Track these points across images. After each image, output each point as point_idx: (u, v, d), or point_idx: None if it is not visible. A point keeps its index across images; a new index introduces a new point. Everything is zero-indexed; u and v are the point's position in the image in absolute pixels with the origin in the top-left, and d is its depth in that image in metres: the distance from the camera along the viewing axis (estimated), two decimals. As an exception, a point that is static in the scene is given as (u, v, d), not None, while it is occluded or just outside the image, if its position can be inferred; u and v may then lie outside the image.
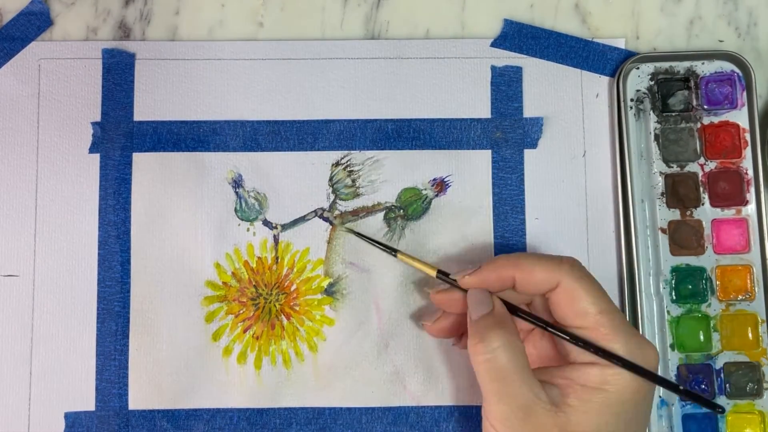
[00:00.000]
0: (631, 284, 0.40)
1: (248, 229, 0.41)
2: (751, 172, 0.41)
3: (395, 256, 0.39)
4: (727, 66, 0.41)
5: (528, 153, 0.42)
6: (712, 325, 0.40)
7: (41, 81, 0.41)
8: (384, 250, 0.40)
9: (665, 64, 0.41)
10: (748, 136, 0.41)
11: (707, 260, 0.40)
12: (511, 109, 0.42)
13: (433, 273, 0.37)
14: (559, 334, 0.34)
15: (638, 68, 0.41)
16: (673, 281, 0.40)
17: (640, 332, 0.40)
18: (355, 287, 0.41)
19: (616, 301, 0.41)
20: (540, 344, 0.37)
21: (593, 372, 0.33)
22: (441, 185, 0.41)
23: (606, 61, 0.42)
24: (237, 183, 0.41)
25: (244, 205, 0.41)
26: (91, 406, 0.40)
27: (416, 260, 0.38)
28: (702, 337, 0.40)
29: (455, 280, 0.36)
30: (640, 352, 0.33)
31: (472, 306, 0.35)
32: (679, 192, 0.41)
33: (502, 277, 0.35)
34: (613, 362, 0.32)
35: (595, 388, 0.33)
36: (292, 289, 0.41)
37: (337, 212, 0.41)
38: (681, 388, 0.34)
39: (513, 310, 0.35)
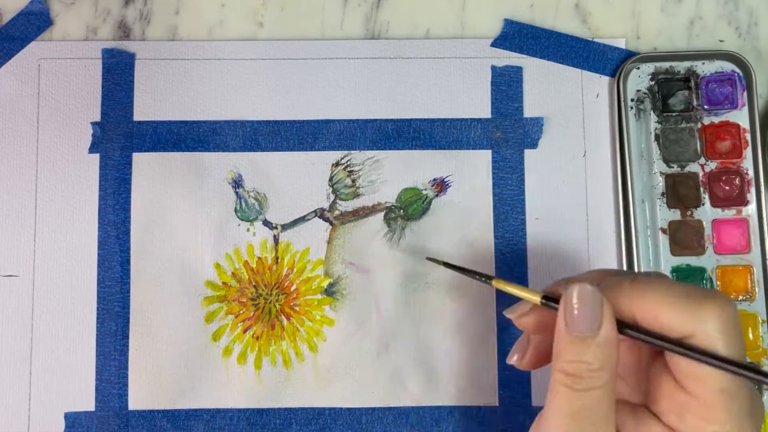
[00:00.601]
0: (632, 284, 0.40)
1: (248, 229, 0.41)
2: (751, 173, 0.41)
3: (490, 283, 0.32)
4: (728, 66, 0.41)
5: (528, 153, 0.42)
6: (712, 325, 0.40)
7: (41, 81, 0.41)
8: (479, 279, 0.33)
9: (665, 64, 0.41)
10: (748, 137, 0.41)
11: (708, 260, 0.40)
12: (511, 109, 0.42)
13: (537, 300, 0.29)
14: (689, 353, 0.26)
15: (638, 68, 0.41)
16: (674, 281, 0.40)
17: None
18: (355, 287, 0.41)
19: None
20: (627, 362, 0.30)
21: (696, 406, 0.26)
22: (441, 185, 0.41)
23: (606, 61, 0.42)
24: (237, 183, 0.41)
25: (244, 205, 0.41)
26: (91, 406, 0.40)
27: (516, 287, 0.31)
28: (702, 338, 0.40)
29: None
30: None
31: (570, 324, 0.27)
32: (680, 192, 0.41)
33: (624, 313, 0.28)
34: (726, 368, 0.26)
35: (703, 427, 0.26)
36: (292, 289, 0.41)
37: (337, 212, 0.41)
38: None
39: (621, 324, 0.27)
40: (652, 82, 0.41)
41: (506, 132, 0.42)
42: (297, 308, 0.40)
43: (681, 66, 0.41)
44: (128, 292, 0.40)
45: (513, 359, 0.31)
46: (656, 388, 0.28)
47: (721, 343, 0.26)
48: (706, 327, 0.26)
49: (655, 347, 0.27)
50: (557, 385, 0.27)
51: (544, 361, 0.30)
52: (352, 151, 0.41)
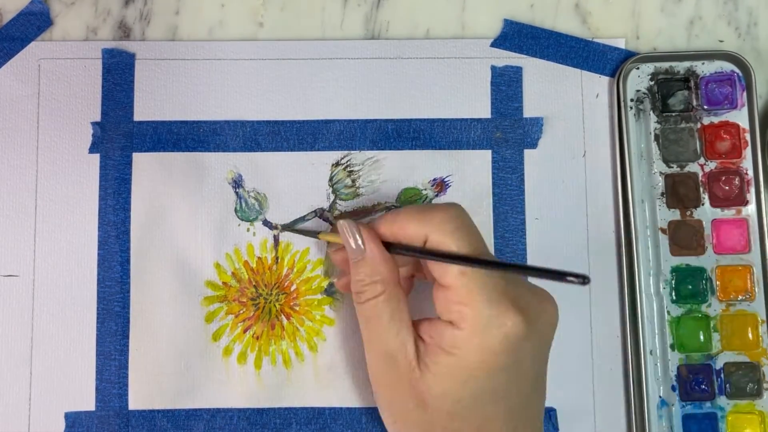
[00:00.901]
0: (631, 284, 0.40)
1: (248, 230, 0.41)
2: (751, 173, 0.41)
3: (317, 238, 0.39)
4: (727, 66, 0.41)
5: (528, 153, 0.42)
6: (712, 325, 0.40)
7: (41, 81, 0.41)
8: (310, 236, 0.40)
9: (665, 64, 0.41)
10: (748, 137, 0.41)
11: (707, 260, 0.40)
12: (511, 109, 0.42)
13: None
14: (416, 254, 0.33)
15: (638, 68, 0.41)
16: (673, 281, 0.40)
17: (640, 333, 0.40)
18: (355, 287, 0.41)
19: (617, 301, 0.40)
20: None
21: (447, 333, 0.32)
22: (441, 185, 0.41)
23: (606, 61, 0.42)
24: (237, 183, 0.41)
25: (244, 205, 0.41)
26: (91, 406, 0.40)
27: (331, 235, 0.37)
28: (702, 338, 0.40)
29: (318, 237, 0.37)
30: (495, 320, 0.31)
31: (348, 252, 0.35)
32: (679, 192, 0.41)
33: (387, 236, 0.34)
34: (442, 260, 0.32)
35: (446, 351, 0.32)
36: (292, 289, 0.41)
37: (337, 212, 0.41)
38: (520, 266, 0.32)
39: (390, 246, 0.34)
40: (652, 82, 0.41)
41: (506, 132, 0.42)
42: (297, 308, 0.40)
43: (680, 66, 0.41)
44: (128, 292, 0.40)
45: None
46: (433, 294, 0.33)
47: (448, 239, 0.32)
48: (433, 228, 0.32)
49: (409, 256, 0.34)
50: (354, 302, 0.35)
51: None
52: (352, 151, 0.41)
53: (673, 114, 0.41)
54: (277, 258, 0.41)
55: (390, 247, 0.34)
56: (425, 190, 0.41)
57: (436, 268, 0.32)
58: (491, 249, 0.41)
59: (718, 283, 0.40)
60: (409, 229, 0.33)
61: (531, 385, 0.33)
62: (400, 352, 0.33)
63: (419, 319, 0.34)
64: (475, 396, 0.32)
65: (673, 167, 0.41)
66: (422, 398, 0.32)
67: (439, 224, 0.32)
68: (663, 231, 0.41)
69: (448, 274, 0.32)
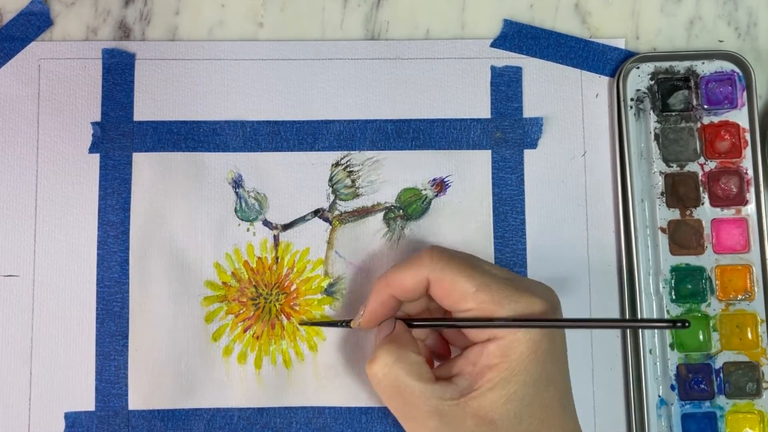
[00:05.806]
0: (631, 284, 0.40)
1: (248, 229, 0.41)
2: (751, 172, 0.41)
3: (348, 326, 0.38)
4: (727, 66, 0.41)
5: (528, 153, 0.42)
6: (711, 324, 0.40)
7: (41, 81, 0.41)
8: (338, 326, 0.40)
9: (665, 64, 0.41)
10: (748, 136, 0.41)
11: (707, 260, 0.40)
12: (510, 109, 0.42)
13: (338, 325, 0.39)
14: (442, 324, 0.36)
15: (638, 68, 0.41)
16: (673, 281, 0.40)
17: (640, 332, 0.40)
18: (355, 287, 0.41)
19: (617, 301, 0.41)
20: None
21: (491, 348, 0.33)
22: (441, 185, 0.41)
23: (606, 61, 0.42)
24: (237, 183, 0.41)
25: (244, 205, 0.41)
26: (91, 406, 0.40)
27: (320, 322, 0.40)
28: (701, 337, 0.40)
29: (350, 326, 0.37)
30: (528, 309, 0.33)
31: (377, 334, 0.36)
32: (679, 192, 0.41)
33: (387, 303, 0.35)
34: (497, 325, 0.32)
35: (496, 365, 0.32)
36: (292, 289, 0.41)
37: (337, 212, 0.41)
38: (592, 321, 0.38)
39: (410, 322, 0.36)
40: (652, 82, 0.41)
41: (506, 132, 0.42)
42: (297, 308, 0.40)
43: (681, 66, 0.41)
44: (127, 292, 0.40)
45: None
46: (461, 334, 0.36)
47: (442, 274, 0.34)
48: (428, 272, 0.34)
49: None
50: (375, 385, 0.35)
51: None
52: (352, 152, 0.41)
53: (673, 113, 0.41)
54: (277, 258, 0.41)
55: (412, 322, 0.36)
56: (425, 190, 0.41)
57: (453, 302, 0.34)
58: (491, 249, 0.41)
59: (717, 282, 0.40)
60: (406, 283, 0.35)
61: (566, 364, 0.35)
62: (441, 404, 0.33)
63: (442, 364, 0.35)
64: (534, 386, 0.32)
65: (672, 167, 0.41)
66: (489, 419, 0.32)
67: (430, 264, 0.34)
68: (663, 230, 0.41)
69: (466, 298, 0.33)
